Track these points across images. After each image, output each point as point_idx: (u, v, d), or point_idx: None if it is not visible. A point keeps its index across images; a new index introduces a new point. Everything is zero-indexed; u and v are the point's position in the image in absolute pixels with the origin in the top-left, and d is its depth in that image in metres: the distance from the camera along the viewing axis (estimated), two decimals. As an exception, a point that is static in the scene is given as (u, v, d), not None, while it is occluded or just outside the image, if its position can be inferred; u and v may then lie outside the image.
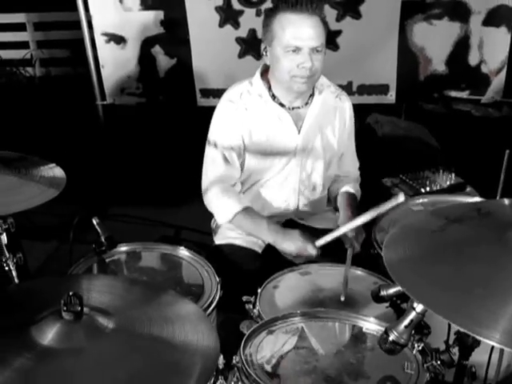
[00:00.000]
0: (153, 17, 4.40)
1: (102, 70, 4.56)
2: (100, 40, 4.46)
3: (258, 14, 4.29)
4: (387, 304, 1.55)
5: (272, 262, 2.29)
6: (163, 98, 4.73)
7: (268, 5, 4.22)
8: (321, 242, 2.19)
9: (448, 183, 2.94)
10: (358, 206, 2.50)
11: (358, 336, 1.69)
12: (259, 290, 1.93)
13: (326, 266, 2.15)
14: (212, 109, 2.44)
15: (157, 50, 4.54)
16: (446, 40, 4.33)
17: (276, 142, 2.36)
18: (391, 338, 1.34)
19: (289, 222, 2.49)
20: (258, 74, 2.38)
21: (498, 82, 4.35)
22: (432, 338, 1.50)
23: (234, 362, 1.52)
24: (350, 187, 2.54)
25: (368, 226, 2.35)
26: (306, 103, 2.38)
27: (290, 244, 2.21)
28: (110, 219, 3.29)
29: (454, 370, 1.47)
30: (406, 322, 1.33)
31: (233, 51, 4.44)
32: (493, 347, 1.44)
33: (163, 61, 4.57)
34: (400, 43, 4.33)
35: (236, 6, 4.30)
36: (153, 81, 4.64)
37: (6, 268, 1.87)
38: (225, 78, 4.31)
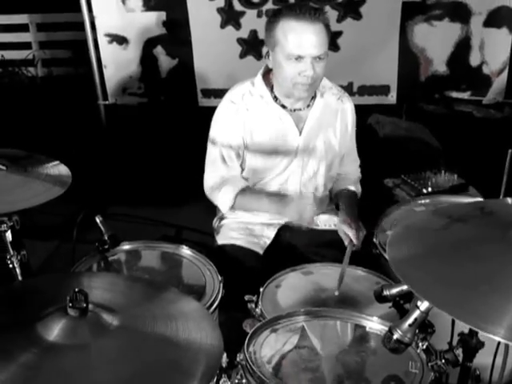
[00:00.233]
0: (155, 18, 4.40)
1: (105, 70, 4.57)
2: (103, 40, 4.47)
3: (259, 15, 4.29)
4: (390, 304, 1.54)
5: (273, 262, 2.30)
6: (165, 98, 4.73)
7: (269, 6, 4.24)
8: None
9: (450, 184, 2.94)
10: (358, 204, 2.51)
11: (361, 336, 1.69)
12: (261, 289, 1.93)
13: (327, 266, 2.15)
14: (213, 109, 2.45)
15: (159, 51, 4.54)
16: (447, 41, 4.32)
17: (277, 142, 2.37)
18: (395, 336, 1.34)
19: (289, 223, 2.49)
20: (259, 75, 2.38)
21: (499, 82, 4.35)
22: (435, 339, 1.50)
23: (238, 359, 1.52)
24: (351, 186, 2.55)
25: (369, 226, 2.36)
26: (308, 105, 2.39)
27: (292, 209, 2.33)
28: (111, 218, 3.29)
29: (457, 373, 1.46)
30: (410, 320, 1.33)
31: (234, 52, 4.44)
32: (497, 350, 1.44)
33: (165, 61, 4.58)
34: (401, 44, 4.33)
35: (237, 7, 4.30)
36: (154, 81, 4.65)
37: (10, 265, 1.87)
38: (226, 79, 4.31)
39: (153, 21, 4.41)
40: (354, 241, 2.24)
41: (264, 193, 2.41)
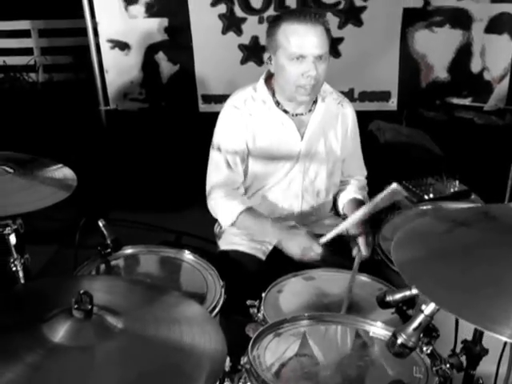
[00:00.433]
0: (157, 24, 4.43)
1: (106, 75, 4.58)
2: (105, 46, 4.49)
3: (260, 21, 4.31)
4: (393, 310, 1.54)
5: (276, 268, 2.29)
6: (165, 104, 4.74)
7: (270, 12, 4.26)
8: (323, 239, 2.20)
9: (452, 190, 2.93)
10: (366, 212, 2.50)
11: (364, 342, 1.68)
12: (263, 294, 1.93)
13: (329, 272, 2.14)
14: (213, 115, 2.44)
15: (160, 57, 4.56)
16: (448, 47, 4.34)
17: (279, 147, 2.37)
18: (400, 341, 1.33)
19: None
20: (261, 80, 2.38)
21: (500, 89, 4.36)
22: (438, 347, 1.49)
23: (241, 363, 1.52)
24: (358, 194, 2.54)
25: (372, 233, 2.34)
26: (310, 110, 2.39)
27: (295, 244, 2.22)
28: (111, 224, 3.29)
29: (461, 381, 1.46)
30: (415, 324, 1.32)
31: (235, 58, 4.46)
32: (501, 358, 1.43)
33: (166, 67, 4.60)
34: (401, 50, 4.35)
35: (239, 13, 4.33)
36: (155, 87, 4.66)
37: (14, 268, 1.87)
38: (226, 85, 4.32)
39: (155, 27, 4.44)
40: (362, 249, 2.23)
41: (269, 219, 2.34)
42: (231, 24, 4.36)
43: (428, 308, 1.30)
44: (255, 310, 1.86)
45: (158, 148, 4.60)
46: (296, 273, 2.10)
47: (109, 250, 1.85)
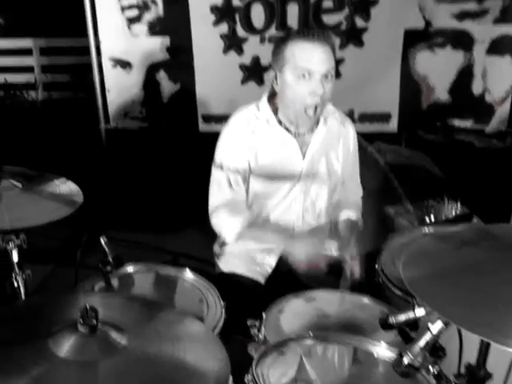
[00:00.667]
0: (159, 43, 4.46)
1: (108, 94, 4.59)
2: (107, 65, 4.51)
3: (261, 40, 4.33)
4: (395, 332, 1.50)
5: (275, 289, 2.26)
6: (165, 123, 4.74)
7: (272, 32, 4.28)
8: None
9: (454, 213, 2.92)
10: (359, 233, 2.47)
11: (368, 362, 1.65)
12: (264, 315, 1.89)
13: (330, 293, 2.11)
14: (213, 135, 2.43)
15: (161, 76, 4.58)
16: (449, 69, 4.36)
17: (281, 166, 2.36)
18: (406, 360, 1.30)
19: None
20: (264, 99, 2.37)
21: (502, 111, 4.37)
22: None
23: (245, 380, 1.50)
24: (353, 214, 2.51)
25: (372, 256, 2.32)
26: (312, 130, 2.38)
27: (302, 250, 2.20)
28: (110, 243, 3.27)
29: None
30: (422, 343, 1.29)
31: (236, 77, 4.48)
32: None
33: (167, 86, 4.62)
34: (402, 71, 4.37)
35: (240, 33, 4.35)
36: (156, 106, 4.67)
37: (15, 284, 1.88)
38: (227, 104, 4.33)
39: (157, 46, 4.46)
40: (355, 274, 2.21)
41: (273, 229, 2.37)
42: (232, 43, 4.38)
43: (435, 326, 1.27)
44: (255, 331, 1.84)
45: (157, 167, 4.59)
46: (296, 293, 2.07)
47: (109, 268, 1.82)
